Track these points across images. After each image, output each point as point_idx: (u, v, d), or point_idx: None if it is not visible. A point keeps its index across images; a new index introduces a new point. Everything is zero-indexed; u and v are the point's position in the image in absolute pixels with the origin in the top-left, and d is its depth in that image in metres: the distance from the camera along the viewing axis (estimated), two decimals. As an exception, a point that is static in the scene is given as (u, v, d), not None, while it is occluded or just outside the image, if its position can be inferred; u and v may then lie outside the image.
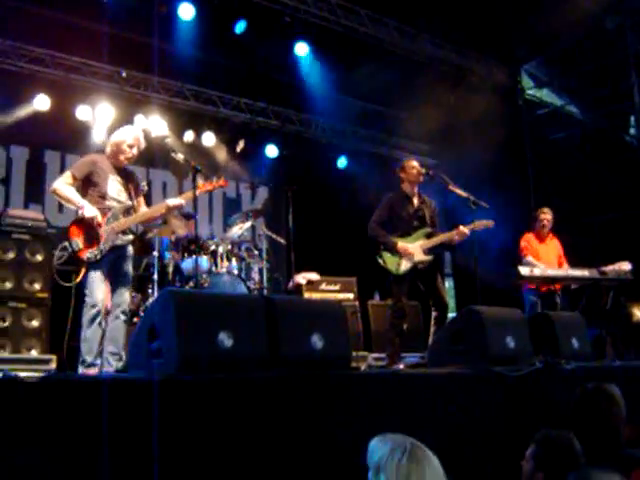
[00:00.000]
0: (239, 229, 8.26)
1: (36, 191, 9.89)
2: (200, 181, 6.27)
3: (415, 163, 7.33)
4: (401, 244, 7.04)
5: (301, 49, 10.81)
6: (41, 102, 9.72)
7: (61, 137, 10.06)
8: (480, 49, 11.57)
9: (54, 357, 7.37)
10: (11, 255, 7.64)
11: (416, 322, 9.56)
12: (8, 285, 7.55)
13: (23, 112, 9.72)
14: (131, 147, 6.16)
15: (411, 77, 10.71)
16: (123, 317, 5.91)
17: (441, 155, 12.39)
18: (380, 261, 7.16)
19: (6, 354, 7.26)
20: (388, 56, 10.71)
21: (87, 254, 5.80)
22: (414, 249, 7.04)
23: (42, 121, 9.80)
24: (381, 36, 10.68)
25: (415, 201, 7.32)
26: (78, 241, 5.84)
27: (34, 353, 7.48)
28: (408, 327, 7.67)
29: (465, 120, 10.98)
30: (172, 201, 6.25)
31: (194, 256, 7.39)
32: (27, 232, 7.81)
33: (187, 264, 7.66)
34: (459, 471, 3.07)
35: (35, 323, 7.61)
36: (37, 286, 7.70)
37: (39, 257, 7.75)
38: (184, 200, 6.30)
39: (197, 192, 6.21)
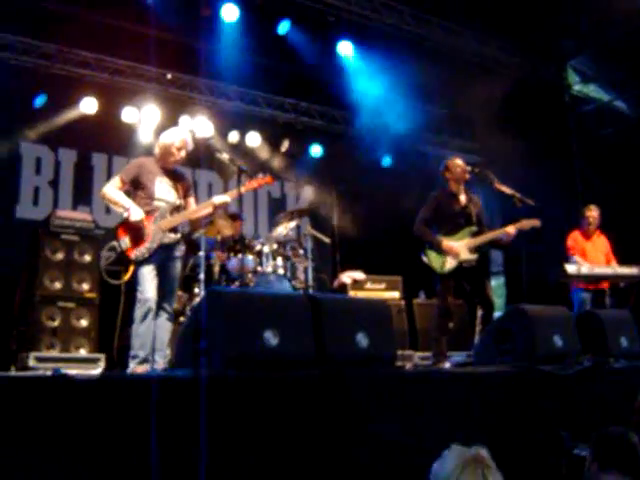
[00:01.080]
0: (284, 228, 8.28)
1: (84, 193, 10.03)
2: (246, 179, 6.30)
3: (459, 161, 7.28)
4: (446, 243, 7.00)
5: (345, 48, 10.82)
6: (88, 105, 9.85)
7: (108, 139, 10.19)
8: (525, 45, 11.44)
9: (102, 356, 7.49)
10: (60, 256, 7.77)
11: (462, 321, 9.50)
12: (57, 285, 7.68)
13: (71, 115, 9.86)
14: (179, 149, 6.22)
15: (455, 74, 10.64)
16: (167, 316, 5.98)
17: (487, 153, 12.28)
18: (425, 260, 7.13)
19: (56, 353, 7.38)
20: (432, 53, 10.65)
21: (135, 252, 5.89)
22: (459, 248, 7.00)
23: (89, 124, 9.93)
24: (425, 34, 10.62)
25: (461, 199, 7.27)
26: (126, 240, 5.95)
27: (83, 352, 7.59)
28: (454, 326, 7.64)
29: (511, 117, 10.87)
30: (218, 199, 6.27)
31: (240, 256, 7.45)
32: (76, 233, 7.94)
33: (233, 264, 7.71)
34: (508, 471, 3.05)
35: (84, 323, 7.72)
36: (86, 286, 7.82)
37: (87, 257, 7.86)
38: (230, 197, 6.33)
39: (243, 189, 6.26)
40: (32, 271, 7.78)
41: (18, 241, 8.65)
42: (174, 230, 6.07)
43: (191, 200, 6.40)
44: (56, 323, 7.56)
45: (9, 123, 9.38)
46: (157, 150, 6.25)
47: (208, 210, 6.29)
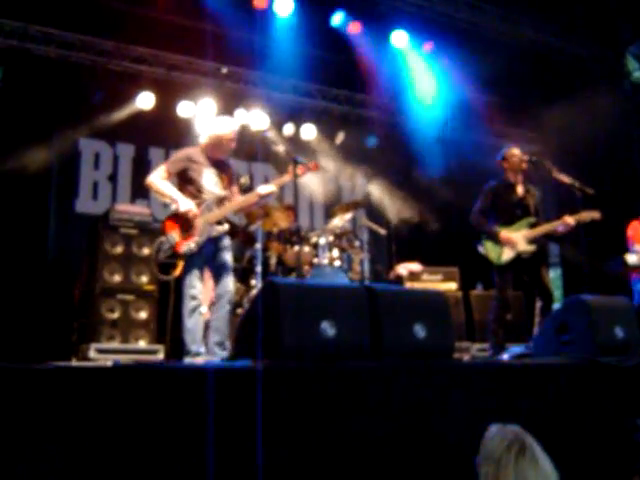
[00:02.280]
0: (340, 220, 8.27)
1: (142, 187, 10.04)
2: (293, 168, 6.21)
3: (516, 151, 7.20)
4: (504, 234, 6.92)
5: (399, 38, 10.76)
6: (145, 100, 9.96)
7: (164, 134, 10.29)
8: (582, 32, 11.24)
9: (161, 347, 7.59)
10: (119, 249, 7.88)
11: (520, 312, 9.40)
12: (117, 278, 7.80)
13: (128, 110, 9.98)
14: (231, 141, 6.20)
15: (512, 63, 10.51)
16: (228, 307, 5.92)
17: (545, 142, 12.10)
18: (482, 250, 7.07)
19: (116, 344, 7.51)
20: (487, 42, 10.53)
21: (184, 247, 5.85)
22: (517, 239, 6.92)
23: (146, 119, 10.06)
24: (480, 22, 10.51)
25: (519, 190, 7.19)
26: (174, 235, 5.91)
27: (142, 344, 7.69)
28: (512, 318, 7.55)
29: (569, 106, 10.69)
30: (263, 189, 6.19)
31: (296, 248, 7.47)
32: (134, 226, 8.04)
33: (289, 256, 7.74)
34: (566, 464, 3.01)
35: (143, 315, 7.82)
36: (144, 279, 7.92)
37: (146, 250, 7.95)
38: (276, 187, 6.29)
39: (288, 178, 6.21)
40: (92, 264, 7.92)
41: (78, 235, 8.83)
42: (221, 222, 6.04)
43: (235, 189, 6.35)
44: (116, 315, 7.68)
45: (68, 119, 9.54)
46: (207, 140, 6.18)
47: (254, 200, 6.22)
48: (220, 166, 6.23)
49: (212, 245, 5.97)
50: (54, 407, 3.02)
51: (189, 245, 5.85)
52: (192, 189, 6.02)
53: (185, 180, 6.06)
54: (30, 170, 8.82)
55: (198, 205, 5.95)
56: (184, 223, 5.91)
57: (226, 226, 6.05)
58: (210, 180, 6.09)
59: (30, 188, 8.87)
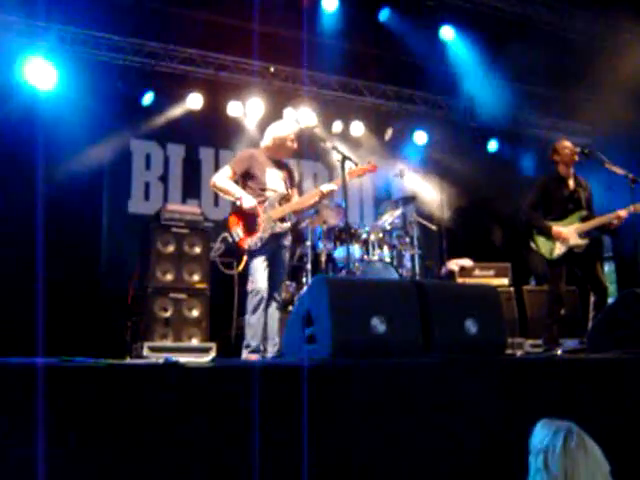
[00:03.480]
0: (390, 217, 8.25)
1: (193, 187, 10.25)
2: (350, 167, 6.28)
3: (567, 143, 7.11)
4: (555, 228, 6.84)
5: (446, 33, 10.68)
6: (194, 101, 10.03)
7: (214, 134, 10.38)
8: (635, 22, 11.02)
9: (214, 345, 7.65)
10: (171, 248, 7.98)
11: (574, 308, 9.26)
12: (169, 277, 7.89)
13: (178, 111, 10.07)
14: (293, 141, 6.32)
15: (562, 55, 10.35)
16: (277, 305, 6.05)
17: (597, 134, 11.91)
18: (533, 246, 7.00)
19: (168, 343, 7.60)
20: (536, 34, 10.39)
21: (248, 242, 5.96)
22: (569, 233, 6.83)
23: (196, 119, 10.13)
24: (529, 14, 10.37)
25: (570, 183, 7.10)
26: (238, 231, 6.03)
27: (195, 342, 7.77)
28: (566, 313, 7.46)
29: (620, 96, 10.50)
30: (325, 187, 6.30)
31: (346, 245, 7.46)
32: (185, 226, 8.13)
33: (339, 253, 7.75)
34: (621, 460, 2.96)
35: (195, 313, 7.90)
36: (196, 277, 8.00)
37: (197, 249, 8.03)
38: (337, 185, 6.34)
39: (348, 178, 6.26)
40: (144, 264, 8.03)
41: (130, 235, 8.94)
42: (283, 219, 6.11)
43: (295, 190, 6.46)
44: (168, 314, 7.77)
45: (119, 122, 9.65)
46: (270, 142, 6.32)
47: (315, 199, 6.32)
48: (282, 167, 6.39)
49: (274, 242, 6.07)
50: (107, 404, 3.06)
51: (253, 241, 5.95)
52: (255, 187, 6.15)
53: (249, 179, 6.20)
54: (83, 172, 8.95)
55: (262, 203, 6.03)
56: (247, 219, 6.03)
57: (288, 223, 6.16)
58: (273, 179, 6.23)
59: (83, 189, 9.00)
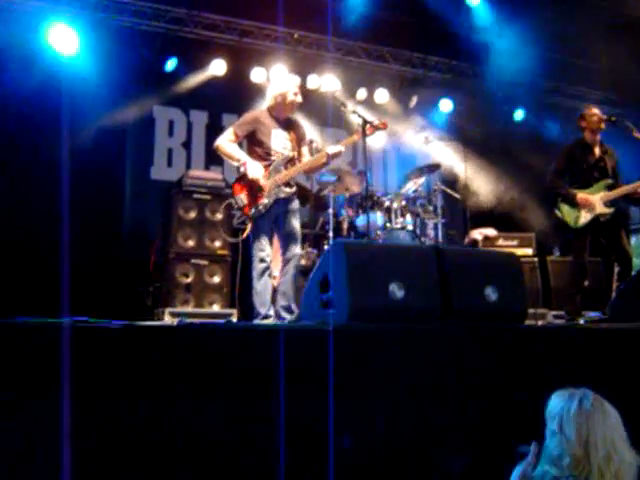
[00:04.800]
0: (413, 185, 8.18)
1: (216, 153, 10.18)
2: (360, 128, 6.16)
3: (595, 110, 7.00)
4: (581, 195, 6.75)
5: (474, -1, 10.55)
6: (217, 67, 9.97)
7: (237, 100, 10.28)
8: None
9: (235, 311, 7.65)
10: (193, 214, 7.98)
11: (598, 279, 9.16)
12: (190, 243, 7.91)
13: (201, 77, 10.02)
14: (296, 94, 6.19)
15: (591, 23, 10.16)
16: (293, 271, 5.95)
17: (625, 103, 11.72)
18: (558, 214, 6.91)
19: (190, 308, 7.62)
20: (566, 1, 10.20)
21: (252, 209, 5.89)
22: (594, 201, 6.74)
23: (219, 85, 10.07)
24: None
25: (597, 151, 7.00)
26: (242, 197, 5.95)
27: (216, 308, 7.79)
28: (589, 284, 7.37)
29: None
30: (332, 149, 6.12)
31: (369, 213, 7.41)
32: (207, 192, 8.12)
33: (361, 221, 7.68)
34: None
35: (216, 279, 7.92)
36: (218, 243, 8.00)
37: (219, 216, 8.00)
38: (344, 147, 6.22)
39: (356, 138, 6.17)
40: (166, 230, 8.05)
41: (153, 201, 8.97)
42: (289, 184, 6.03)
43: (305, 149, 6.33)
44: (190, 279, 7.79)
45: (142, 88, 9.63)
46: (272, 101, 6.21)
47: (322, 160, 6.17)
48: (289, 126, 6.24)
49: (280, 207, 5.97)
50: (124, 362, 3.07)
51: (257, 207, 5.87)
52: (260, 151, 6.04)
53: (254, 142, 6.09)
54: (106, 138, 8.96)
55: (266, 167, 5.95)
56: (252, 185, 5.93)
57: (294, 188, 6.06)
58: (278, 141, 6.09)
59: (106, 156, 9.01)
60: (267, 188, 5.90)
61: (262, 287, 5.81)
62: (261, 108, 6.46)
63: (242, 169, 5.97)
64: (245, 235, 5.90)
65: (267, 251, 5.85)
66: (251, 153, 6.06)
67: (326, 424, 3.25)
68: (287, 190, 5.99)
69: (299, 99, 6.24)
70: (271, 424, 3.18)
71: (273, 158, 6.02)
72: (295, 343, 3.42)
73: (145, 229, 8.90)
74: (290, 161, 6.08)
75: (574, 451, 2.60)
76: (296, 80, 6.34)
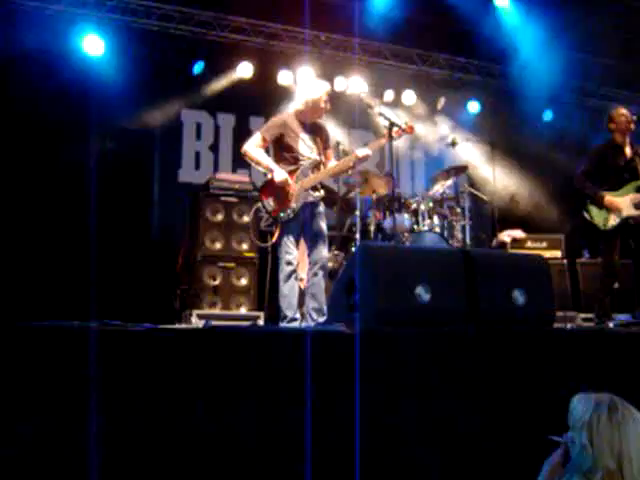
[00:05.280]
0: (441, 186, 8.13)
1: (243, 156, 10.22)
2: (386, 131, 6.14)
3: (624, 111, 6.92)
4: (609, 198, 6.68)
5: (501, -1, 10.49)
6: (244, 70, 10.01)
7: (264, 103, 10.32)
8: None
9: (261, 314, 7.67)
10: (220, 217, 8.03)
11: (628, 281, 9.06)
12: (218, 245, 7.96)
13: (228, 80, 10.07)
14: (326, 102, 6.21)
15: (620, 22, 10.07)
16: (322, 272, 5.98)
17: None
18: (587, 216, 6.84)
19: (217, 311, 7.65)
20: (594, 1, 10.11)
21: (280, 213, 5.92)
22: (623, 203, 6.66)
23: (246, 88, 10.10)
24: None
25: (627, 152, 6.92)
26: (270, 201, 5.99)
27: (243, 310, 7.81)
28: (619, 286, 7.29)
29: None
30: (360, 151, 6.13)
31: (396, 214, 7.38)
32: (234, 195, 8.17)
33: (389, 223, 7.66)
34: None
35: (243, 281, 7.95)
36: (245, 246, 8.04)
37: (246, 218, 8.05)
38: (371, 150, 6.23)
39: (384, 141, 6.16)
40: (194, 232, 8.09)
41: (181, 204, 8.98)
42: (316, 188, 6.05)
43: (330, 152, 6.35)
44: (217, 282, 7.83)
45: (170, 91, 9.70)
46: (302, 105, 6.23)
47: (350, 164, 6.19)
48: (315, 130, 6.26)
49: (307, 211, 6.01)
50: (150, 364, 3.08)
51: (286, 211, 5.90)
52: (288, 156, 6.07)
53: (281, 146, 6.11)
54: (134, 141, 9.04)
55: (294, 171, 5.96)
56: (280, 190, 5.96)
57: (322, 192, 6.09)
58: (305, 145, 6.13)
59: (135, 159, 9.09)
60: (295, 193, 5.93)
61: (289, 290, 5.84)
62: (287, 111, 6.49)
63: (269, 175, 6.01)
64: (274, 239, 5.94)
65: (294, 254, 5.89)
66: (278, 157, 6.10)
67: (353, 426, 3.24)
68: (315, 194, 6.04)
69: (328, 106, 6.28)
70: (298, 427, 3.17)
71: (301, 162, 6.05)
72: (321, 346, 3.42)
73: (173, 232, 8.94)
74: (317, 165, 6.10)
75: (606, 464, 2.50)
76: (327, 87, 6.36)
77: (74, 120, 8.53)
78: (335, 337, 3.66)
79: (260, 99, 10.28)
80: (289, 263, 5.85)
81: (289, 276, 5.85)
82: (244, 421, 3.15)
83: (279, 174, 5.92)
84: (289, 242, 5.89)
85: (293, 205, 5.91)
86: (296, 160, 6.05)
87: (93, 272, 8.00)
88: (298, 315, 5.85)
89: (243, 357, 3.23)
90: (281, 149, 6.11)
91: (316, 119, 6.27)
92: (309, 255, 6.00)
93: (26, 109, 8.32)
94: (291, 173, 5.98)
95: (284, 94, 10.25)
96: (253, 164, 6.30)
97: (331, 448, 3.31)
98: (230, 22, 9.84)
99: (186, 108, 10.02)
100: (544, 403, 3.85)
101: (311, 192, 6.00)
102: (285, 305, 5.83)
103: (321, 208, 6.15)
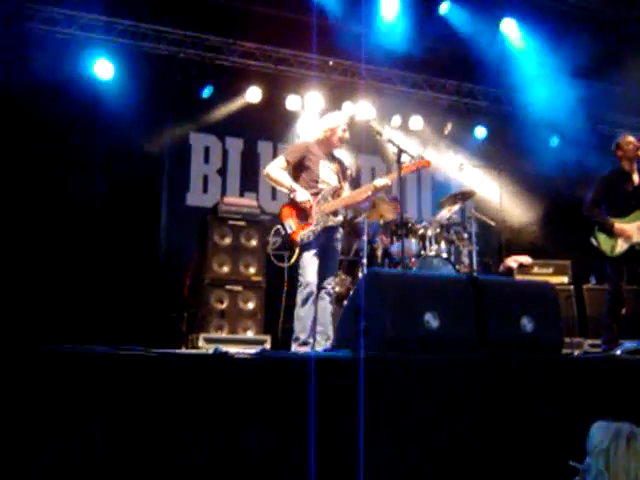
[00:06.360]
0: (448, 212, 8.16)
1: (251, 180, 10.27)
2: (405, 161, 6.19)
3: (631, 138, 6.95)
4: (618, 225, 6.70)
5: (508, 26, 10.53)
6: (253, 94, 10.08)
7: (273, 127, 10.41)
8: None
9: (268, 338, 7.67)
10: (228, 241, 8.04)
11: (635, 307, 9.04)
12: (225, 269, 7.96)
13: (236, 105, 10.14)
14: (344, 131, 6.29)
15: (626, 48, 10.12)
16: (328, 298, 6.02)
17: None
18: (594, 242, 6.85)
19: (224, 334, 7.66)
20: (600, 28, 10.18)
21: (300, 235, 5.95)
22: (631, 230, 6.68)
23: (254, 112, 10.17)
24: (591, 6, 10.15)
25: (635, 179, 6.94)
26: (291, 223, 6.02)
27: (250, 334, 7.81)
28: (626, 312, 7.28)
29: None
30: (379, 181, 6.21)
31: (403, 240, 7.40)
32: (242, 218, 8.20)
33: (396, 248, 7.69)
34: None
35: (251, 305, 7.95)
36: (252, 270, 8.05)
37: (254, 242, 8.08)
38: (390, 180, 6.28)
39: (401, 173, 6.19)
40: (201, 256, 8.11)
41: (188, 227, 9.02)
42: (336, 213, 6.10)
43: (346, 185, 6.41)
44: (224, 306, 7.84)
45: (178, 115, 9.79)
46: (321, 134, 6.31)
47: (368, 193, 6.25)
48: (334, 159, 6.38)
49: (326, 235, 6.06)
50: (158, 391, 3.08)
51: (306, 234, 5.95)
52: (308, 179, 6.14)
53: (303, 170, 6.19)
54: (143, 164, 9.09)
55: (314, 195, 6.04)
56: (301, 212, 6.02)
57: (341, 217, 6.18)
58: (326, 171, 6.21)
59: (143, 182, 9.13)
60: (315, 216, 5.98)
61: (305, 313, 5.85)
62: (308, 140, 6.54)
63: (292, 195, 6.04)
64: (293, 260, 5.96)
65: (312, 278, 5.89)
66: (298, 180, 6.16)
67: (357, 453, 3.24)
68: (335, 219, 6.10)
69: (347, 135, 6.35)
70: (303, 454, 3.17)
71: (320, 186, 6.12)
72: (328, 372, 3.42)
73: (180, 255, 8.97)
74: (337, 191, 6.19)
75: None
76: (346, 117, 6.46)
77: (83, 143, 8.60)
78: (342, 363, 3.66)
79: (268, 124, 10.37)
80: (307, 285, 5.86)
81: (307, 299, 5.85)
82: (247, 448, 3.15)
83: (302, 194, 5.98)
84: (308, 264, 5.91)
85: (313, 228, 5.96)
86: (316, 183, 6.12)
87: (101, 295, 8.05)
88: (311, 340, 5.86)
89: (251, 384, 3.23)
90: (302, 172, 6.18)
91: (334, 148, 6.37)
92: (320, 279, 6.00)
93: (36, 131, 8.39)
94: (312, 196, 6.03)
95: (292, 119, 10.33)
96: (276, 185, 6.37)
97: (335, 476, 3.30)
98: (239, 47, 9.94)
99: (194, 132, 10.08)
100: (553, 430, 3.85)
101: (332, 217, 6.06)
102: (299, 328, 5.84)
103: (339, 234, 6.21)
